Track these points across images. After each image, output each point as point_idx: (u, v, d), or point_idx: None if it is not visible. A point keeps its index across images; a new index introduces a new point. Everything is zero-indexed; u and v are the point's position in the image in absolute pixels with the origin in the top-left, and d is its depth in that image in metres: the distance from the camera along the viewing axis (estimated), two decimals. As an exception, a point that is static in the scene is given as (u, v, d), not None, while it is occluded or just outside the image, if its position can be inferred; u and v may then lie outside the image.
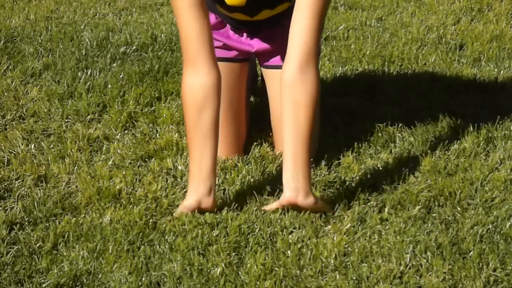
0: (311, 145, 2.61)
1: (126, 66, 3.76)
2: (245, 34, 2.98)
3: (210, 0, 2.75)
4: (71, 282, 2.35)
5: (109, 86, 3.55)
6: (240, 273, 2.37)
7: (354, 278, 2.35)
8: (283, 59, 2.96)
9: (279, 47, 2.96)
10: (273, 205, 2.63)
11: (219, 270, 2.38)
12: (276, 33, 2.95)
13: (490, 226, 2.57)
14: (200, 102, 2.62)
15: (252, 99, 3.45)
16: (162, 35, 4.14)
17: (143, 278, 2.35)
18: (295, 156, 2.58)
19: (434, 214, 2.66)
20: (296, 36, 2.57)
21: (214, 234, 2.53)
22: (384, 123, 3.24)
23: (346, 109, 3.39)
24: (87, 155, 3.04)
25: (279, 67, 2.97)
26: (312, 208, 2.60)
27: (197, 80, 2.62)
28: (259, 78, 3.42)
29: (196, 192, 2.61)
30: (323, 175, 2.86)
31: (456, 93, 3.58)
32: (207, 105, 2.62)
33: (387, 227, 2.58)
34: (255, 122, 3.23)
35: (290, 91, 2.59)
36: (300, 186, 2.58)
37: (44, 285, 2.34)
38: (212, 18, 2.93)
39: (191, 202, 2.61)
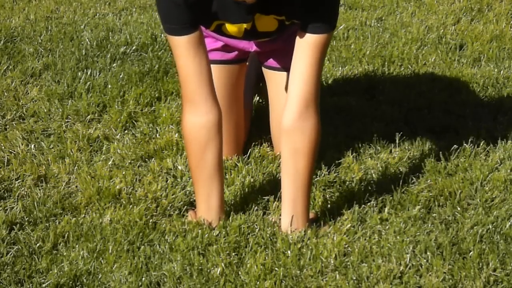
0: (310, 189, 2.59)
1: (126, 66, 3.76)
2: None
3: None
4: (71, 282, 2.35)
5: (109, 86, 3.55)
6: (240, 273, 2.38)
7: (354, 278, 2.35)
8: (283, 60, 2.96)
9: (279, 46, 2.96)
10: None
11: (219, 270, 2.38)
12: (277, 38, 2.95)
13: (490, 226, 2.57)
14: (203, 142, 2.57)
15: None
16: (162, 35, 4.14)
17: (143, 278, 2.35)
18: (294, 201, 2.57)
19: (434, 214, 2.66)
20: (295, 82, 2.53)
21: (214, 234, 2.53)
22: (384, 123, 3.24)
23: (346, 109, 3.39)
24: (87, 155, 3.04)
25: (280, 69, 2.97)
26: None
27: (198, 120, 2.57)
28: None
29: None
30: (323, 175, 2.87)
31: (456, 93, 3.58)
32: (210, 145, 2.58)
33: (387, 227, 2.58)
34: (255, 122, 3.23)
35: (289, 138, 2.55)
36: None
37: (44, 285, 2.34)
38: None
39: None
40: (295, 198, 2.56)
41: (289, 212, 2.57)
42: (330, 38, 2.53)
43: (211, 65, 2.97)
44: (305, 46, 2.50)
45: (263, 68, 3.07)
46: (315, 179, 2.82)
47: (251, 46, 2.98)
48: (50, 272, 2.39)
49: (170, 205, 2.71)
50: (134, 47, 4.01)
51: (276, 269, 2.38)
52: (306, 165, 2.55)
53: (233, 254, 2.45)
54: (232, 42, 2.97)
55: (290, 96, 2.55)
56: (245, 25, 2.60)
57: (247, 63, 3.10)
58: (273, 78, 3.01)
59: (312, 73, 2.51)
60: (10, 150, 3.08)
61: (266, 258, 2.43)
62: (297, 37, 2.52)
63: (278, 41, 2.93)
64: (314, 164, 2.59)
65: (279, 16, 2.58)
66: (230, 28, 2.63)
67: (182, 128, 2.60)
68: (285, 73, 2.97)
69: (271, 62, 3.02)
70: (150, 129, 3.23)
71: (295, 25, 2.60)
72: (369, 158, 3.00)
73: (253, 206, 2.68)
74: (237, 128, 3.04)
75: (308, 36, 2.49)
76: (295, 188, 2.56)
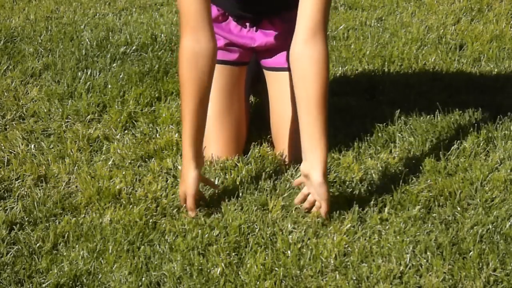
0: (325, 116, 2.61)
1: (126, 66, 3.76)
2: (247, 25, 2.98)
3: None
4: (71, 282, 2.35)
5: (109, 86, 3.55)
6: (240, 273, 2.38)
7: (354, 278, 2.35)
8: (283, 59, 2.97)
9: (281, 44, 2.96)
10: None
11: (219, 270, 2.38)
12: (277, 27, 2.96)
13: (490, 226, 2.57)
14: (203, 67, 2.63)
15: (252, 99, 3.46)
16: (162, 35, 4.14)
17: (143, 278, 2.35)
18: (311, 131, 2.60)
19: (434, 214, 2.66)
20: (304, 9, 2.59)
21: (214, 234, 2.53)
22: (384, 123, 3.24)
23: (346, 109, 3.39)
24: (87, 155, 3.04)
25: (281, 69, 2.98)
26: (321, 189, 2.59)
27: (200, 46, 2.62)
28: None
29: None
30: (323, 175, 2.86)
31: (456, 93, 3.58)
32: (210, 71, 2.63)
33: (387, 227, 2.58)
34: (255, 122, 3.23)
35: (298, 65, 2.61)
36: (315, 159, 2.58)
37: (44, 285, 2.34)
38: (214, 10, 2.94)
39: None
40: (311, 127, 2.59)
41: (306, 142, 2.60)
42: None
43: None
44: None
45: (264, 70, 3.08)
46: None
47: (252, 41, 2.98)
48: (50, 272, 2.39)
49: (170, 204, 2.71)
50: (134, 47, 4.01)
51: (276, 269, 2.38)
52: (316, 90, 2.59)
53: (233, 254, 2.45)
54: (234, 37, 2.98)
55: (298, 23, 2.61)
56: None
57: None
58: (273, 79, 3.02)
59: (319, 2, 2.57)
60: (10, 150, 3.08)
61: (266, 258, 2.43)
62: None
63: (279, 37, 2.94)
64: (326, 90, 2.61)
65: None
66: None
67: (181, 53, 2.62)
68: (285, 73, 2.98)
69: (271, 62, 3.02)
70: (150, 129, 3.23)
71: None
72: (369, 158, 3.00)
73: (253, 206, 2.68)
74: (238, 128, 3.04)
75: None
76: (309, 116, 2.59)
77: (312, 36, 2.59)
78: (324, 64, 2.60)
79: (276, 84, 3.01)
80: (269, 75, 3.04)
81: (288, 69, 2.95)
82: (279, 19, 2.95)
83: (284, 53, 2.97)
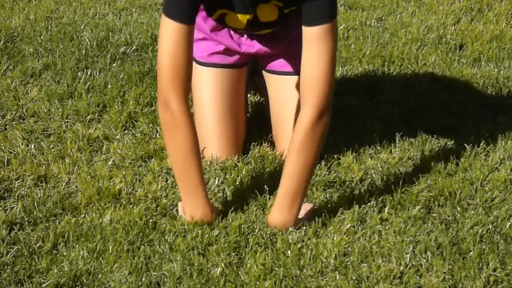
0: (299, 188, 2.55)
1: (126, 66, 3.76)
2: (245, 35, 2.98)
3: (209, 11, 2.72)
4: (71, 282, 2.35)
5: (109, 86, 3.55)
6: (240, 273, 2.38)
7: (354, 278, 2.35)
8: (285, 64, 2.96)
9: (281, 49, 2.96)
10: None
11: (219, 270, 2.38)
12: (277, 35, 2.95)
13: (490, 226, 2.57)
14: (183, 137, 2.52)
15: (252, 99, 3.46)
16: (162, 35, 4.14)
17: (143, 278, 2.35)
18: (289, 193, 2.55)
19: (434, 214, 2.66)
20: (307, 82, 2.46)
21: (214, 234, 2.53)
22: (384, 123, 3.24)
23: (346, 109, 3.39)
24: (87, 155, 3.04)
25: (280, 73, 2.97)
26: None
27: (172, 118, 2.50)
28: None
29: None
30: (323, 175, 2.86)
31: (456, 93, 3.58)
32: (191, 135, 2.52)
33: (387, 227, 2.58)
34: (255, 122, 3.23)
35: (301, 138, 2.51)
36: (284, 217, 2.56)
37: (44, 285, 2.34)
38: (210, 21, 2.93)
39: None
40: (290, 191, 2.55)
41: (279, 200, 2.56)
42: (334, 27, 2.44)
43: (212, 69, 2.99)
44: (310, 40, 2.45)
45: (264, 72, 3.07)
46: (315, 179, 2.82)
47: (251, 48, 2.98)
48: (50, 272, 2.39)
49: (170, 204, 2.71)
50: (134, 47, 4.01)
51: (276, 269, 2.38)
52: (295, 161, 2.51)
53: (233, 254, 2.45)
54: (234, 44, 2.98)
55: (303, 100, 2.48)
56: (248, 16, 2.60)
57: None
58: (273, 81, 3.02)
59: (322, 68, 2.45)
60: (10, 150, 3.08)
61: (266, 258, 2.43)
62: (303, 34, 2.47)
63: (280, 43, 2.94)
64: (307, 164, 2.54)
65: (278, 1, 2.57)
66: (233, 18, 2.63)
67: (160, 123, 2.53)
68: (286, 77, 2.98)
69: (271, 65, 3.02)
70: (150, 129, 3.23)
71: (295, 15, 2.58)
72: (369, 158, 3.00)
73: (253, 206, 2.68)
74: (237, 129, 3.04)
75: (310, 29, 2.44)
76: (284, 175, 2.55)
77: (318, 116, 2.47)
78: (307, 133, 2.48)
79: (276, 86, 3.01)
80: (268, 77, 3.04)
81: (287, 73, 2.96)
82: (278, 31, 2.94)
83: (287, 58, 2.97)
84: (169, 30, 2.46)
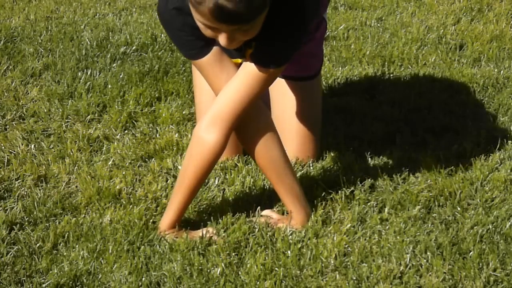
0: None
1: (126, 66, 3.76)
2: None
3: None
4: (71, 282, 2.35)
5: (109, 86, 3.55)
6: (240, 273, 2.38)
7: (354, 278, 2.35)
8: (288, 67, 2.97)
9: None
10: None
11: (219, 270, 2.38)
12: None
13: (490, 226, 2.57)
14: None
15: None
16: (162, 35, 4.14)
17: (143, 278, 2.35)
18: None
19: (434, 214, 2.66)
20: (222, 92, 2.51)
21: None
22: (384, 123, 3.24)
23: (346, 109, 3.39)
24: (87, 155, 3.04)
25: (284, 77, 2.97)
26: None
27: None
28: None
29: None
30: (323, 175, 2.86)
31: (456, 93, 3.58)
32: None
33: (387, 227, 2.58)
34: (255, 122, 3.23)
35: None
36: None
37: (44, 285, 2.34)
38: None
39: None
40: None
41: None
42: (267, 74, 2.47)
43: None
44: (244, 72, 2.48)
45: None
46: (315, 179, 2.82)
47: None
48: (50, 272, 2.39)
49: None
50: (134, 47, 4.01)
51: (276, 269, 2.38)
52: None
53: (233, 254, 2.45)
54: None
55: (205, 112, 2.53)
56: (240, 60, 2.62)
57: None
58: (276, 85, 3.01)
59: (239, 94, 2.47)
60: (10, 150, 3.08)
61: (266, 258, 2.43)
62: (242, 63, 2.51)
63: None
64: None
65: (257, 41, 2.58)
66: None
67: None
68: (288, 81, 2.97)
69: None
70: (150, 129, 3.23)
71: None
72: (369, 158, 3.00)
73: (253, 206, 2.68)
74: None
75: (251, 65, 2.47)
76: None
77: (211, 123, 2.48)
78: (203, 156, 2.49)
79: (278, 89, 3.01)
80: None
81: (289, 77, 2.96)
82: None
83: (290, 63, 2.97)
84: (208, 63, 2.51)
